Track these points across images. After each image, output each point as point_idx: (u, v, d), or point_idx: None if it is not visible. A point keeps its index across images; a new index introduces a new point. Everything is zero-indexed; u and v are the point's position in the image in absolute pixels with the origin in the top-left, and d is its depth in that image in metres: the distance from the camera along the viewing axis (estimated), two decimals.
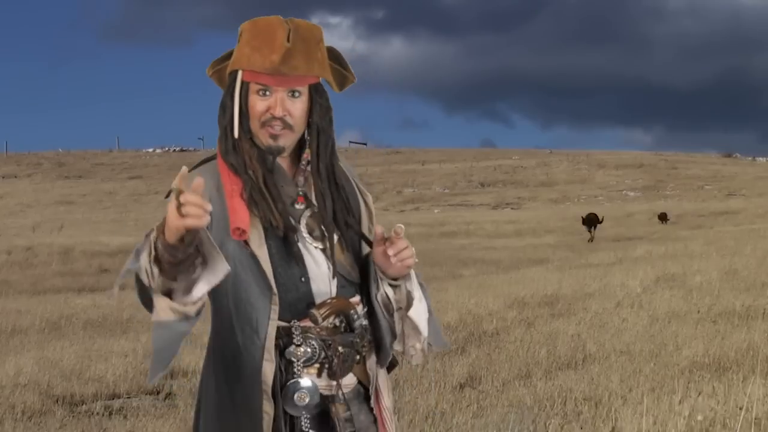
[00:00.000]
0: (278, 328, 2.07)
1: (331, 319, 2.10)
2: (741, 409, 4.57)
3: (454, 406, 5.58)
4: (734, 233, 22.77)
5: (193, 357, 7.63)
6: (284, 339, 2.07)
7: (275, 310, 2.06)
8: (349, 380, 2.15)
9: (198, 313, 1.95)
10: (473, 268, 18.55)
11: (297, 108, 2.13)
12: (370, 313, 2.20)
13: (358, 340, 2.13)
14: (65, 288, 16.46)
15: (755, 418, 4.48)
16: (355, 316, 2.13)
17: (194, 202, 1.80)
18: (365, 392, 2.19)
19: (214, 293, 2.08)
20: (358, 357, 2.14)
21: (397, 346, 2.21)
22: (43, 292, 15.98)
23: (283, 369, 2.07)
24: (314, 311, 2.07)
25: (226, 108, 2.15)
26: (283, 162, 2.17)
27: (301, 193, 2.17)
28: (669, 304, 9.30)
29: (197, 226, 1.82)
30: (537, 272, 14.74)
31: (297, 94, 2.13)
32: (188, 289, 1.90)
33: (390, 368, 2.27)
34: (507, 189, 58.86)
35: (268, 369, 2.06)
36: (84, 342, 9.02)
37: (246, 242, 2.06)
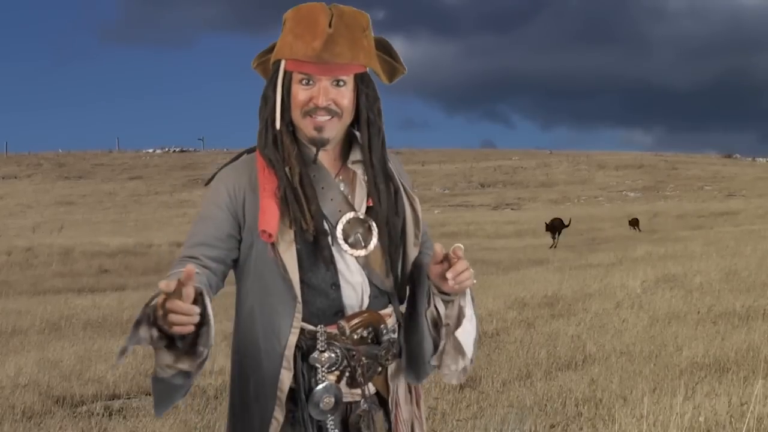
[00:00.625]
0: (303, 331, 2.02)
1: (359, 331, 2.05)
2: (742, 407, 4.57)
3: (454, 406, 5.58)
4: (734, 234, 22.77)
5: None
6: (308, 343, 2.02)
7: (298, 318, 2.01)
8: (368, 390, 2.10)
9: (198, 368, 1.89)
10: (473, 268, 18.39)
11: (342, 97, 2.02)
12: (409, 326, 2.14)
13: (383, 353, 2.07)
14: (65, 288, 16.45)
15: (756, 419, 4.48)
16: (384, 330, 2.07)
17: (180, 310, 1.75)
18: (382, 403, 2.13)
19: (239, 293, 2.08)
20: (380, 369, 2.09)
21: (433, 362, 2.13)
22: (43, 292, 15.97)
23: (305, 373, 2.02)
24: (344, 323, 2.02)
25: (267, 99, 2.06)
26: (325, 161, 2.07)
27: (343, 195, 2.07)
28: (669, 304, 9.29)
29: (183, 333, 1.78)
30: (537, 273, 14.73)
31: (341, 83, 2.02)
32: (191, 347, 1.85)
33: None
34: (507, 190, 58.87)
35: (285, 377, 2.01)
36: (84, 342, 9.02)
37: (273, 246, 1.99)
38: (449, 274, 1.99)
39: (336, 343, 2.02)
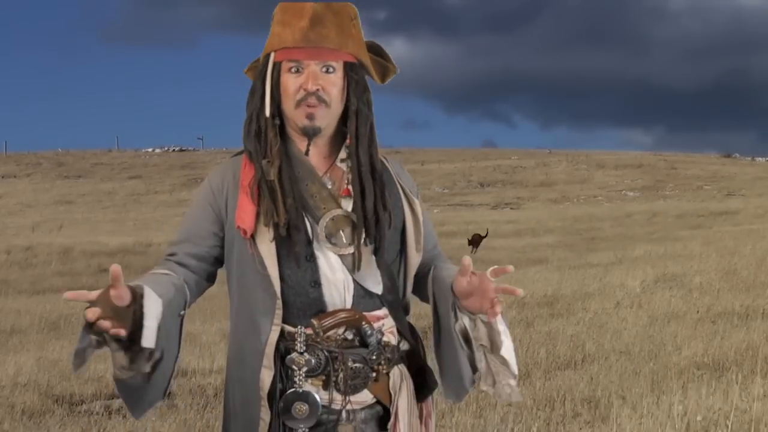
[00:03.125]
0: (284, 332, 1.97)
1: (340, 332, 1.97)
2: (741, 407, 4.57)
3: (454, 406, 5.57)
4: (733, 233, 22.75)
5: (193, 357, 7.63)
6: (288, 344, 1.96)
7: (279, 315, 1.96)
8: (363, 398, 2.00)
9: (153, 369, 1.88)
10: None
11: (331, 84, 1.98)
12: (439, 343, 2.06)
13: (373, 356, 1.98)
14: (64, 288, 16.33)
15: (755, 419, 4.48)
16: (369, 332, 1.98)
17: (105, 316, 1.75)
18: (385, 413, 2.03)
19: (228, 292, 2.06)
20: (374, 374, 1.99)
21: (484, 386, 2.07)
22: (42, 291, 15.98)
23: (284, 376, 1.96)
24: (314, 320, 1.95)
25: (255, 91, 2.02)
26: (314, 158, 2.03)
27: (329, 192, 2.02)
28: (668, 304, 9.29)
29: (118, 335, 1.76)
30: (536, 272, 14.73)
31: (331, 69, 1.98)
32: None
33: (426, 393, 2.11)
34: (506, 189, 58.84)
35: (266, 376, 1.95)
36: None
37: (253, 241, 1.96)
38: (490, 293, 1.97)
39: (318, 345, 1.96)
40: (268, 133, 2.00)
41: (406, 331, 2.09)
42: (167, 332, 1.89)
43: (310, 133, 1.99)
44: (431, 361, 2.12)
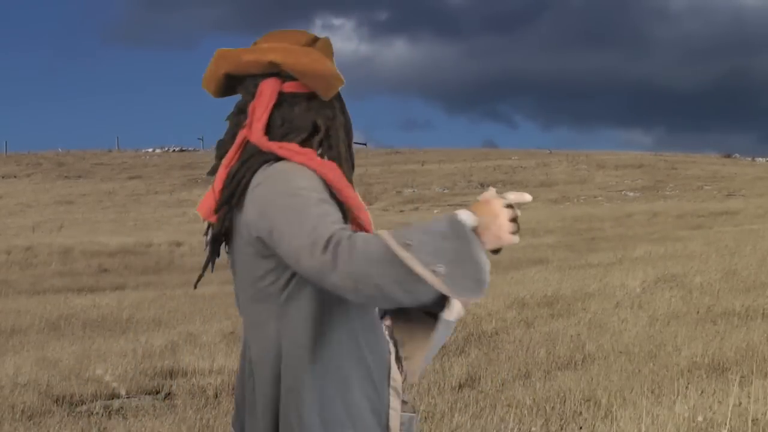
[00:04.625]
0: None
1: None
2: (741, 409, 4.57)
3: (454, 406, 5.58)
4: (734, 233, 22.76)
5: (193, 357, 7.64)
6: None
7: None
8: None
9: None
10: None
11: None
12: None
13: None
14: (65, 288, 16.44)
15: (754, 419, 4.48)
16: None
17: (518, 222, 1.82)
18: None
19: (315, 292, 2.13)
20: None
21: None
22: (42, 292, 15.97)
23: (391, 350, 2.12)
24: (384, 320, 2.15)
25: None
26: None
27: None
28: (668, 304, 9.29)
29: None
30: (536, 272, 14.73)
31: None
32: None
33: None
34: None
35: (396, 371, 2.07)
36: (83, 342, 9.02)
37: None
38: None
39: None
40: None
41: None
42: None
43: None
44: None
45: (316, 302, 1.97)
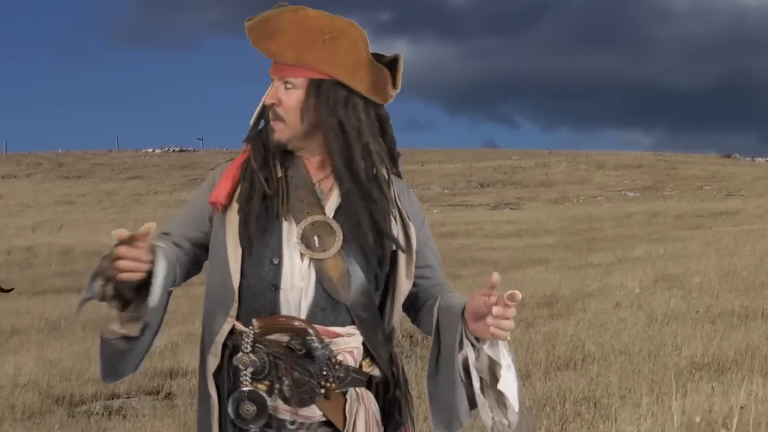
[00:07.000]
0: (234, 330, 1.97)
1: (284, 339, 1.94)
2: (740, 408, 4.57)
3: None
4: (733, 233, 22.75)
5: (193, 357, 7.63)
6: (237, 342, 1.96)
7: (234, 308, 1.97)
8: (311, 413, 1.96)
9: (141, 333, 1.91)
10: (473, 268, 18.55)
11: (288, 99, 2.00)
12: (437, 372, 1.99)
13: (324, 371, 1.93)
14: (65, 288, 16.45)
15: (754, 419, 4.48)
16: (315, 345, 1.92)
17: (130, 256, 1.78)
18: None
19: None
20: (322, 390, 1.94)
21: (486, 418, 1.99)
22: (42, 292, 15.98)
23: (231, 375, 1.95)
24: (255, 320, 1.94)
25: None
26: (311, 166, 2.05)
27: (317, 198, 2.02)
28: (668, 304, 9.29)
29: (130, 279, 1.80)
30: (536, 272, 14.73)
31: (289, 85, 2.00)
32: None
33: (393, 427, 2.07)
34: (506, 189, 58.83)
35: (211, 363, 1.99)
36: (83, 342, 9.02)
37: (225, 242, 1.99)
38: (495, 310, 1.92)
39: (264, 347, 1.93)
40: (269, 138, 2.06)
41: (381, 357, 2.04)
42: (161, 303, 1.92)
43: (275, 146, 2.03)
44: (415, 391, 2.12)
45: None
